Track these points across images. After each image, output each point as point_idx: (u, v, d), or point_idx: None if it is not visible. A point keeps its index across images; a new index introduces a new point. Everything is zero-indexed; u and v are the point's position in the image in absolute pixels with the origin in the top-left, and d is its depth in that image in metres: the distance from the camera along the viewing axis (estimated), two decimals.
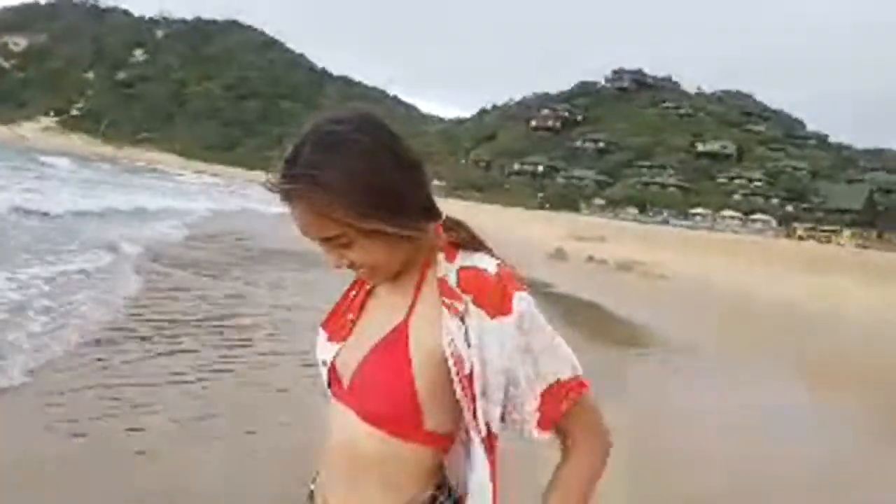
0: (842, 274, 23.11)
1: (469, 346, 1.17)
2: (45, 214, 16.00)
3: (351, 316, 1.36)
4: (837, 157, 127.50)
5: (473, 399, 1.18)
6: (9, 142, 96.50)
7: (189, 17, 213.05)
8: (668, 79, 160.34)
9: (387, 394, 1.22)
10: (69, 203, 19.44)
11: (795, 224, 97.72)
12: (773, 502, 4.66)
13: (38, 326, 6.23)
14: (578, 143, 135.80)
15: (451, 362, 1.18)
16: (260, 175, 1.24)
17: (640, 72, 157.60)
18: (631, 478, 3.02)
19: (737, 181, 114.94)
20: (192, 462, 4.03)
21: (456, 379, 1.18)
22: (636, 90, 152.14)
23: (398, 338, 1.23)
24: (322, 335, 1.39)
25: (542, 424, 1.22)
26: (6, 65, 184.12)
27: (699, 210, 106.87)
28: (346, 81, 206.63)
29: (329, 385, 1.36)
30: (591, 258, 23.21)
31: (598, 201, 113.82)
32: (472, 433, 1.20)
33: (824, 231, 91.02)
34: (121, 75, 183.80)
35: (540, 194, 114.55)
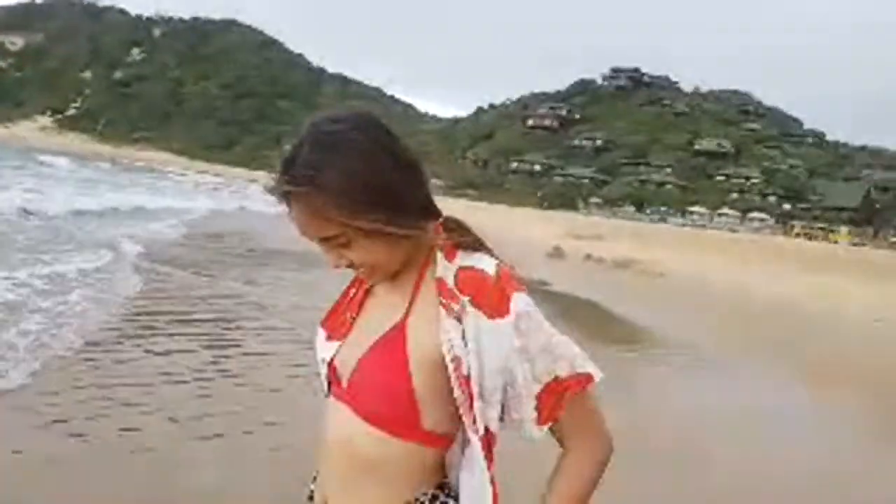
0: (840, 273, 23.14)
1: (466, 346, 1.17)
2: (45, 214, 15.99)
3: (350, 314, 1.36)
4: (834, 155, 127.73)
5: (471, 399, 1.17)
6: (7, 141, 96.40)
7: (186, 16, 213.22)
8: (666, 77, 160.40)
9: (385, 393, 1.21)
10: (69, 202, 19.43)
11: (793, 222, 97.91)
12: (773, 502, 4.66)
13: (36, 326, 6.22)
14: (576, 142, 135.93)
15: (448, 362, 1.17)
16: (262, 175, 1.23)
17: (637, 70, 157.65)
18: (629, 477, 3.02)
19: (734, 179, 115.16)
20: (191, 462, 4.02)
21: (454, 379, 1.17)
22: (633, 89, 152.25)
23: (396, 337, 1.22)
24: (321, 333, 1.39)
25: (540, 424, 1.21)
26: (3, 64, 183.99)
27: (696, 208, 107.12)
28: (343, 80, 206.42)
29: (328, 383, 1.36)
30: (588, 256, 23.22)
31: (596, 200, 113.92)
32: (470, 433, 1.19)
33: (821, 229, 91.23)
34: (118, 74, 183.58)
35: (538, 193, 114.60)
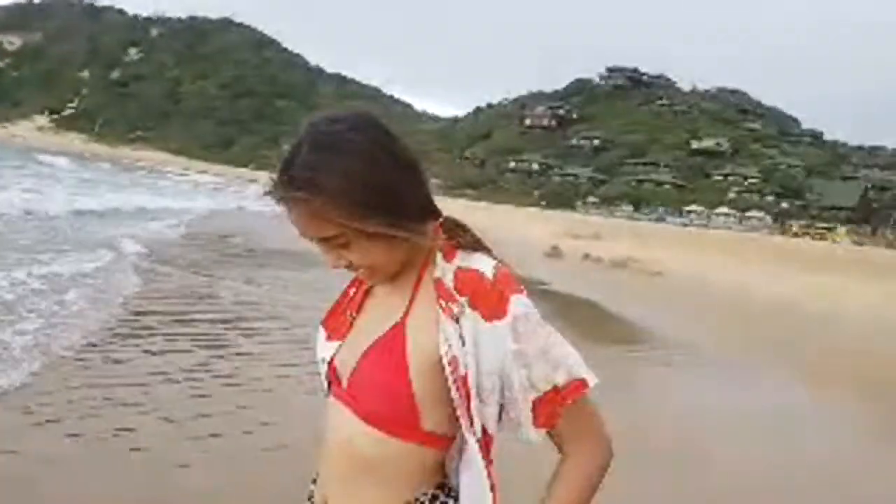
0: (839, 271, 23.15)
1: (464, 347, 1.16)
2: (46, 214, 15.98)
3: (350, 314, 1.35)
4: (832, 154, 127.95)
5: (468, 400, 1.16)
6: (6, 141, 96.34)
7: (184, 15, 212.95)
8: (663, 76, 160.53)
9: (384, 394, 1.21)
10: (69, 202, 19.43)
11: (790, 221, 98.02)
12: (772, 502, 4.66)
13: (35, 326, 6.21)
14: (574, 141, 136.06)
15: (446, 364, 1.17)
16: (263, 175, 1.22)
17: (634, 70, 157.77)
18: (629, 477, 3.01)
19: (731, 178, 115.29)
20: (189, 462, 4.02)
21: (451, 380, 1.17)
22: (631, 88, 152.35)
23: (396, 338, 1.22)
24: (321, 333, 1.39)
25: (537, 428, 1.20)
26: (1, 64, 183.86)
27: (694, 207, 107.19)
28: (341, 80, 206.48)
29: (328, 383, 1.35)
30: (586, 256, 23.22)
31: (594, 199, 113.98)
32: (468, 434, 1.19)
33: (819, 228, 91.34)
34: (115, 74, 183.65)
35: (536, 192, 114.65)
